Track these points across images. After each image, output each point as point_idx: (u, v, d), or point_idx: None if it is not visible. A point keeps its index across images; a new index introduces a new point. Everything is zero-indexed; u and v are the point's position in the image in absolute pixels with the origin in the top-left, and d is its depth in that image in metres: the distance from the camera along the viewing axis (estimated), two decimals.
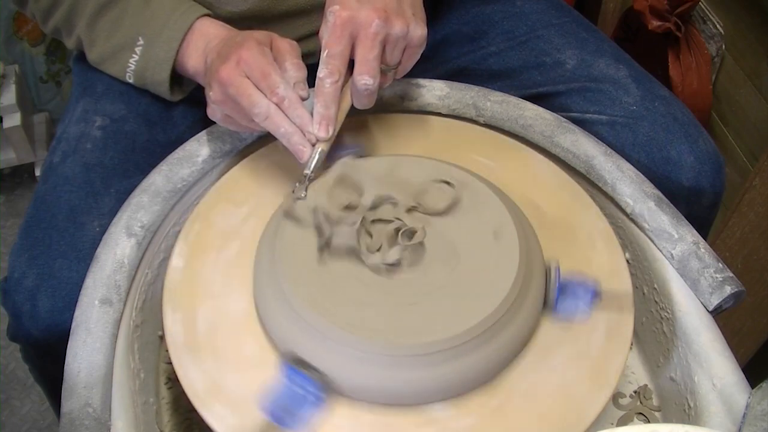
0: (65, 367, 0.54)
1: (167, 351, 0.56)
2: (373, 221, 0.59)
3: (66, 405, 0.52)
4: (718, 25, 1.17)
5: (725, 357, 0.57)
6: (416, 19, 0.62)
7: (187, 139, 0.70)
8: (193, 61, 0.71)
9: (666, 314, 0.62)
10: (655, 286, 0.63)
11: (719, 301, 0.58)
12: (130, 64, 0.74)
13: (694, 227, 0.63)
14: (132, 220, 0.63)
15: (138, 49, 0.73)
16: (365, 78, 0.60)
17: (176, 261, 0.61)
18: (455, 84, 0.74)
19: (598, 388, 0.54)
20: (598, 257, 0.61)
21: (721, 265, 0.60)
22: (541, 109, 0.72)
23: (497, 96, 0.73)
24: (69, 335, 0.56)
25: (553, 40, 0.83)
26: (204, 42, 0.71)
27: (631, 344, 0.64)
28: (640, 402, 0.63)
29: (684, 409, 0.58)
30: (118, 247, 0.61)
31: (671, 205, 0.64)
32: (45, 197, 0.73)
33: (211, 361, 0.55)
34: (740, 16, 1.12)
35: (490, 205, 0.60)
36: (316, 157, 0.61)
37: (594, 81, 0.79)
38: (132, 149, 0.76)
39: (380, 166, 0.63)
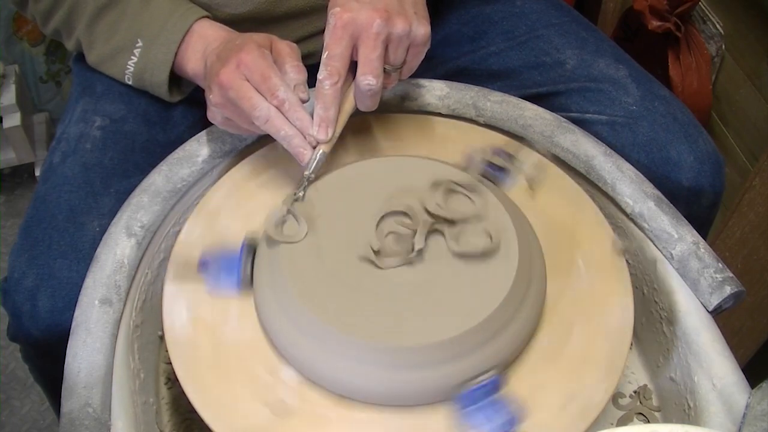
0: (65, 367, 0.54)
1: (167, 351, 0.56)
2: (378, 226, 0.59)
3: (66, 405, 0.52)
4: (718, 25, 1.17)
5: (725, 357, 0.56)
6: (418, 17, 0.62)
7: (187, 140, 0.70)
8: (193, 64, 0.71)
9: (666, 314, 0.62)
10: (655, 286, 0.63)
11: (719, 301, 0.58)
12: (129, 66, 0.74)
13: (694, 227, 0.63)
14: (132, 220, 0.63)
15: (137, 51, 0.73)
16: (368, 78, 0.60)
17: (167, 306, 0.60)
18: (455, 84, 0.74)
19: (598, 388, 0.54)
20: (600, 279, 0.61)
21: (721, 265, 0.60)
22: (540, 109, 0.72)
23: (497, 96, 0.73)
24: (69, 335, 0.56)
25: (553, 40, 0.83)
26: (203, 44, 0.70)
27: (631, 344, 0.64)
28: (640, 402, 0.63)
29: (684, 409, 0.58)
30: (118, 247, 0.61)
31: (671, 205, 0.64)
32: (45, 197, 0.73)
33: (212, 360, 0.55)
34: (740, 16, 1.12)
35: (490, 206, 0.60)
36: (317, 158, 0.61)
37: (594, 81, 0.79)
38: (132, 149, 0.76)
39: (381, 167, 0.63)
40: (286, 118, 0.60)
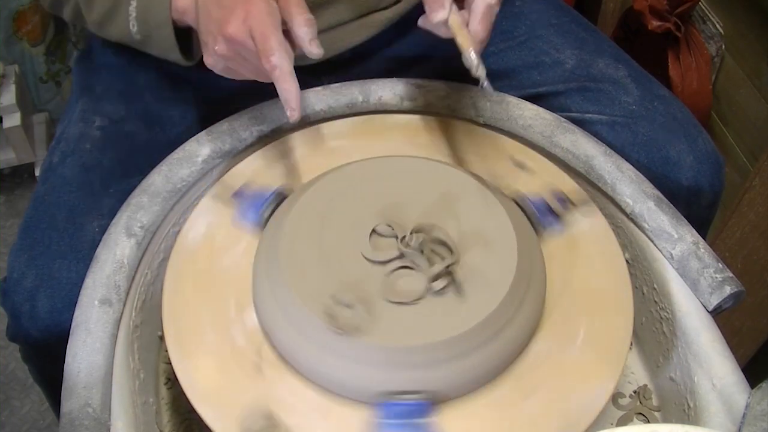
0: (65, 367, 0.54)
1: (167, 351, 0.56)
2: (376, 231, 0.59)
3: (66, 405, 0.52)
4: (718, 25, 1.17)
5: (725, 357, 0.56)
6: None
7: (187, 140, 0.70)
8: (183, 1, 0.66)
9: (666, 314, 0.62)
10: (655, 286, 0.63)
11: (719, 301, 0.58)
12: (131, 12, 0.69)
13: (693, 227, 0.63)
14: (132, 221, 0.63)
15: None
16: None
17: (175, 257, 0.62)
18: (455, 84, 0.74)
19: (598, 388, 0.54)
20: (598, 273, 0.61)
21: (720, 265, 0.60)
22: (540, 109, 0.72)
23: (497, 96, 0.73)
24: (68, 336, 0.56)
25: (553, 40, 0.83)
26: None
27: (631, 344, 0.64)
28: (640, 402, 0.63)
29: (684, 409, 0.58)
30: (117, 247, 0.61)
31: (671, 205, 0.64)
32: (44, 198, 0.73)
33: (210, 359, 0.55)
34: (740, 16, 1.12)
35: (489, 207, 0.60)
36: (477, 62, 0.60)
37: (593, 81, 0.79)
38: (131, 150, 0.76)
39: (381, 167, 0.63)
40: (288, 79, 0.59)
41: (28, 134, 1.57)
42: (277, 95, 0.60)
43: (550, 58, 0.82)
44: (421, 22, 0.63)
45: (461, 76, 0.80)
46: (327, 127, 0.72)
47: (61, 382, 0.54)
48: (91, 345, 0.55)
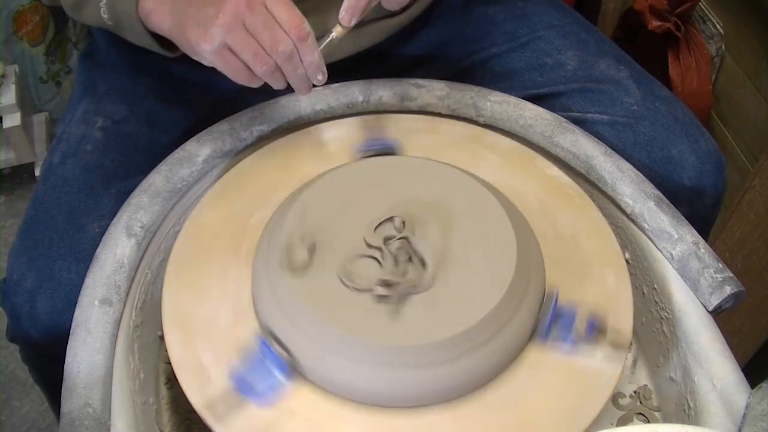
0: (65, 367, 0.54)
1: (167, 351, 0.56)
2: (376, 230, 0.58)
3: (66, 405, 0.52)
4: (717, 25, 1.17)
5: (725, 357, 0.56)
6: None
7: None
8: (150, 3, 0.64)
9: (666, 314, 0.62)
10: (655, 286, 0.63)
11: (719, 301, 0.58)
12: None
13: (696, 227, 0.63)
14: (132, 220, 0.63)
15: None
16: None
17: (176, 256, 0.62)
18: (455, 84, 0.74)
19: (597, 389, 0.54)
20: (600, 280, 0.61)
21: (720, 265, 0.60)
22: (541, 109, 0.72)
23: (497, 96, 0.73)
24: (68, 336, 0.56)
25: (555, 41, 0.83)
26: None
27: (631, 344, 0.64)
28: (640, 402, 0.63)
29: (684, 409, 0.58)
30: (117, 247, 0.61)
31: (671, 205, 0.64)
32: (44, 198, 0.72)
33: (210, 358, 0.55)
34: (740, 16, 1.12)
35: (489, 208, 0.60)
36: (327, 40, 0.61)
37: (595, 82, 0.79)
38: (133, 151, 0.76)
39: (382, 167, 0.63)
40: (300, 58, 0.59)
41: (28, 134, 1.57)
42: (275, 94, 0.59)
43: (551, 59, 0.82)
44: None
45: (463, 77, 0.80)
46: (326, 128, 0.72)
47: (61, 383, 0.54)
48: (91, 345, 0.55)
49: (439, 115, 0.74)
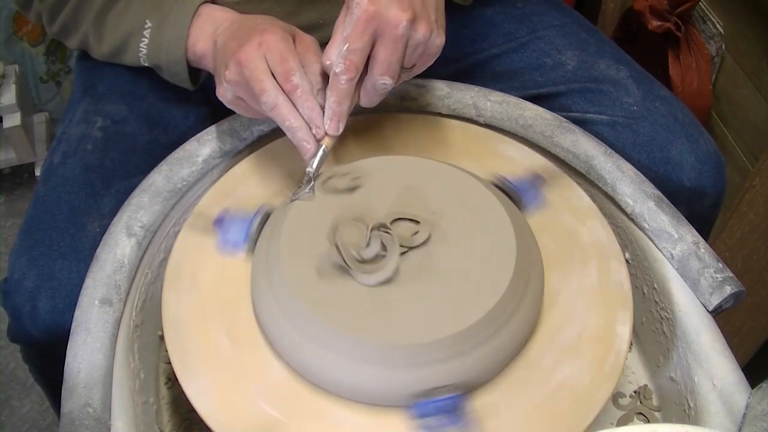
0: (65, 367, 0.54)
1: (167, 351, 0.56)
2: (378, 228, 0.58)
3: (66, 405, 0.52)
4: (718, 25, 1.17)
5: (725, 357, 0.57)
6: (438, 26, 0.60)
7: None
8: (202, 43, 0.70)
9: (666, 314, 0.62)
10: (655, 286, 0.63)
11: (719, 301, 0.58)
12: (142, 48, 0.72)
13: (696, 227, 0.63)
14: (132, 220, 0.63)
15: (146, 32, 0.72)
16: (385, 78, 0.58)
17: (176, 255, 0.62)
18: (455, 84, 0.74)
19: (598, 387, 0.54)
20: (597, 273, 0.61)
21: (721, 265, 0.60)
22: (541, 109, 0.72)
23: (497, 96, 0.73)
24: (69, 336, 0.56)
25: (554, 41, 0.83)
26: (213, 25, 0.69)
27: (631, 344, 0.64)
28: (640, 402, 0.63)
29: (684, 409, 0.58)
30: (118, 247, 0.61)
31: (671, 205, 0.64)
32: (45, 198, 0.73)
33: (211, 360, 0.55)
34: (740, 16, 1.12)
35: (488, 207, 0.60)
36: (320, 154, 0.60)
37: (594, 82, 0.79)
38: (133, 150, 0.76)
39: (382, 166, 0.63)
40: (295, 107, 0.59)
41: (28, 134, 1.57)
42: None
43: (551, 59, 0.82)
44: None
45: (463, 77, 0.80)
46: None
47: (62, 383, 0.54)
48: (92, 345, 0.55)
49: (440, 114, 0.74)
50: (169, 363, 0.59)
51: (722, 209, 0.81)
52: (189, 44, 0.70)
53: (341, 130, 0.60)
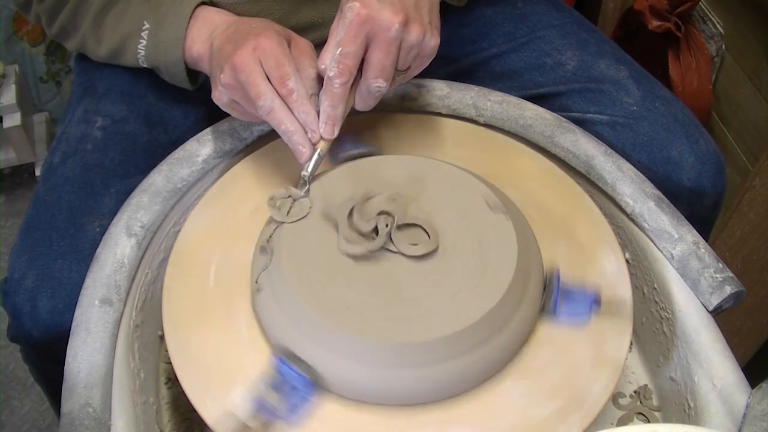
0: (65, 367, 0.54)
1: (167, 351, 0.56)
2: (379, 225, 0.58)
3: (66, 405, 0.52)
4: (718, 25, 1.17)
5: (725, 357, 0.57)
6: (432, 27, 0.61)
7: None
8: (198, 46, 0.70)
9: (666, 314, 0.62)
10: (655, 286, 0.63)
11: (719, 301, 0.58)
12: (140, 50, 0.73)
13: (696, 227, 0.63)
14: (132, 220, 0.63)
15: (144, 34, 0.72)
16: (379, 81, 0.58)
17: (175, 256, 0.62)
18: (455, 84, 0.74)
19: (597, 387, 0.54)
20: (598, 262, 0.61)
21: (721, 265, 0.60)
22: (541, 109, 0.72)
23: (497, 96, 0.73)
24: (69, 336, 0.56)
25: (554, 41, 0.83)
26: (209, 27, 0.70)
27: (631, 344, 0.64)
28: (640, 402, 0.63)
29: (684, 409, 0.58)
30: (118, 247, 0.61)
31: (671, 205, 0.64)
32: (45, 198, 0.73)
33: (211, 360, 0.55)
34: (740, 16, 1.12)
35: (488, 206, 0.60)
36: (315, 158, 0.60)
37: (594, 81, 0.79)
38: (133, 150, 0.76)
39: (382, 166, 0.63)
40: (291, 111, 0.59)
41: (28, 134, 1.57)
42: None
43: (551, 59, 0.82)
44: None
45: (463, 77, 0.80)
46: None
47: (62, 382, 0.54)
48: (92, 345, 0.55)
49: (440, 114, 0.74)
50: (169, 363, 0.59)
51: (722, 209, 0.81)
52: (186, 46, 0.71)
53: (336, 133, 0.60)
